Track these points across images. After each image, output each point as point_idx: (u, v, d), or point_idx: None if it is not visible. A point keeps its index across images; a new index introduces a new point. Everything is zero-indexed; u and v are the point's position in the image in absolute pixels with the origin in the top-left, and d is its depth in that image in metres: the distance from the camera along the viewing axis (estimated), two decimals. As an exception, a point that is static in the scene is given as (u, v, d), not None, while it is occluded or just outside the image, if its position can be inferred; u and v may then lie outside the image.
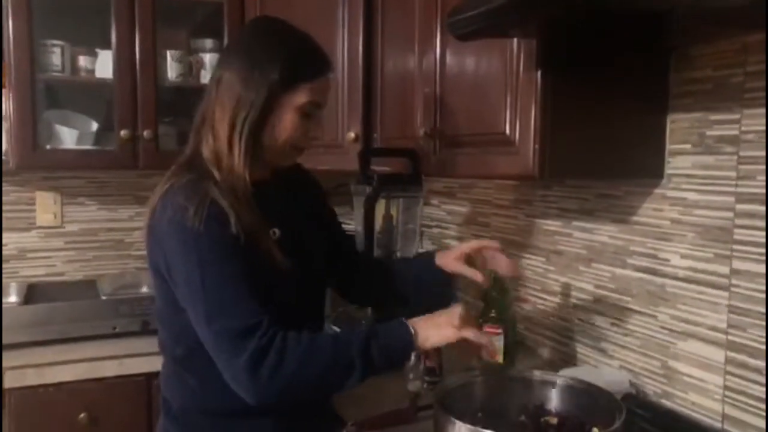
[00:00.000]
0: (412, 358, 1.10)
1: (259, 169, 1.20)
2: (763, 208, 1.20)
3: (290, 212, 1.27)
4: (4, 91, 1.94)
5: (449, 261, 1.35)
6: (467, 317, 1.14)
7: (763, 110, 1.19)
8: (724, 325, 1.28)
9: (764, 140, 1.19)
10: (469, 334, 1.12)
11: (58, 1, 2.00)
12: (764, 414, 1.20)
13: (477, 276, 1.32)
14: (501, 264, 1.35)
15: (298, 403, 1.20)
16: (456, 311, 1.14)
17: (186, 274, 1.09)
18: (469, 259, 1.35)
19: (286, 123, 1.17)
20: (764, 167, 1.19)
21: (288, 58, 1.16)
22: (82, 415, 1.77)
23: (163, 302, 1.19)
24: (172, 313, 1.16)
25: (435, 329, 1.12)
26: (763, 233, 1.20)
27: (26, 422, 1.74)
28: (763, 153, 1.19)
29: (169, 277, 1.12)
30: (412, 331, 1.10)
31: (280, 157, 1.22)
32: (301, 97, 1.16)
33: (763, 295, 1.20)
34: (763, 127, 1.19)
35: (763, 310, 1.20)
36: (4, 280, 2.18)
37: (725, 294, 1.28)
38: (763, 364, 1.21)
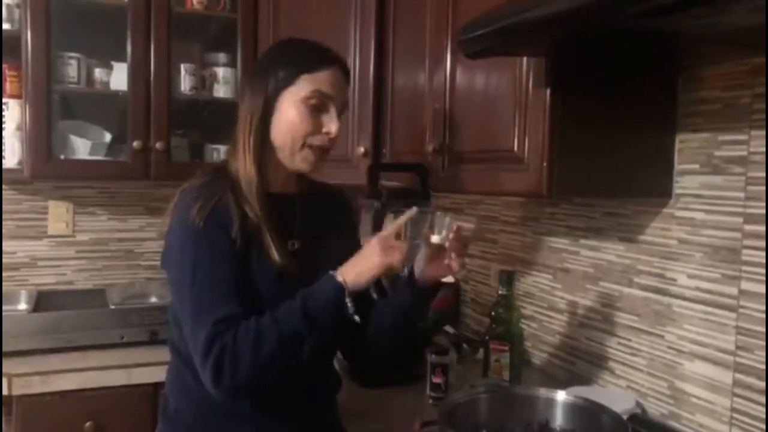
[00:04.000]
0: (349, 305, 1.11)
1: (281, 176, 1.23)
2: (772, 229, 1.20)
3: (314, 229, 1.28)
4: (20, 101, 1.97)
5: (421, 274, 1.25)
6: (388, 235, 1.14)
7: (772, 132, 1.19)
8: (732, 347, 1.27)
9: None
10: (395, 256, 1.12)
11: (75, 14, 2.03)
12: (772, 437, 1.20)
13: (453, 268, 1.22)
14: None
15: (299, 413, 1.22)
16: (374, 240, 1.14)
17: (179, 272, 1.14)
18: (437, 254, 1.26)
19: (292, 116, 1.18)
20: (772, 188, 1.19)
21: (286, 56, 1.21)
22: (87, 423, 1.77)
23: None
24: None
25: (362, 265, 1.13)
26: (772, 254, 1.20)
27: (32, 430, 1.74)
28: (772, 174, 1.19)
29: (168, 270, 1.17)
30: (341, 279, 1.11)
31: (297, 158, 1.20)
32: (303, 89, 1.17)
33: (771, 317, 1.20)
34: (772, 149, 1.19)
35: (771, 331, 1.20)
36: (14, 288, 2.21)
37: (733, 315, 1.27)
38: (770, 386, 1.20)
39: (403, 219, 1.18)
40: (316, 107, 1.18)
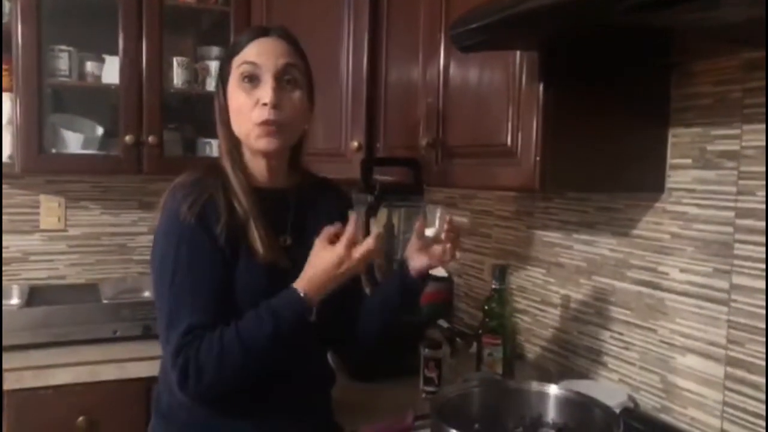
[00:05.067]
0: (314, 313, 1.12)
1: (262, 168, 1.24)
2: (763, 223, 1.20)
3: (307, 224, 1.27)
4: (11, 95, 1.96)
5: (412, 265, 1.28)
6: (351, 238, 1.13)
7: (763, 126, 1.19)
8: (723, 341, 1.28)
9: (764, 155, 1.19)
10: (358, 260, 1.12)
11: (66, 6, 2.02)
12: (764, 431, 1.20)
13: (445, 257, 1.25)
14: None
15: (292, 408, 1.22)
16: (334, 249, 1.12)
17: (160, 269, 1.14)
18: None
19: (233, 102, 1.20)
20: (764, 182, 1.20)
21: (225, 53, 1.27)
22: (80, 418, 1.77)
23: None
24: None
25: (325, 274, 1.12)
26: (763, 248, 1.20)
27: (24, 425, 1.73)
28: (763, 168, 1.20)
29: (151, 265, 1.18)
30: (302, 294, 1.11)
31: (252, 139, 1.19)
32: (234, 71, 1.20)
33: (762, 311, 1.20)
34: (763, 143, 1.20)
35: (762, 325, 1.20)
36: (6, 283, 2.19)
37: (724, 309, 1.28)
38: (761, 379, 1.21)
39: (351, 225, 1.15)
40: (250, 81, 1.18)
